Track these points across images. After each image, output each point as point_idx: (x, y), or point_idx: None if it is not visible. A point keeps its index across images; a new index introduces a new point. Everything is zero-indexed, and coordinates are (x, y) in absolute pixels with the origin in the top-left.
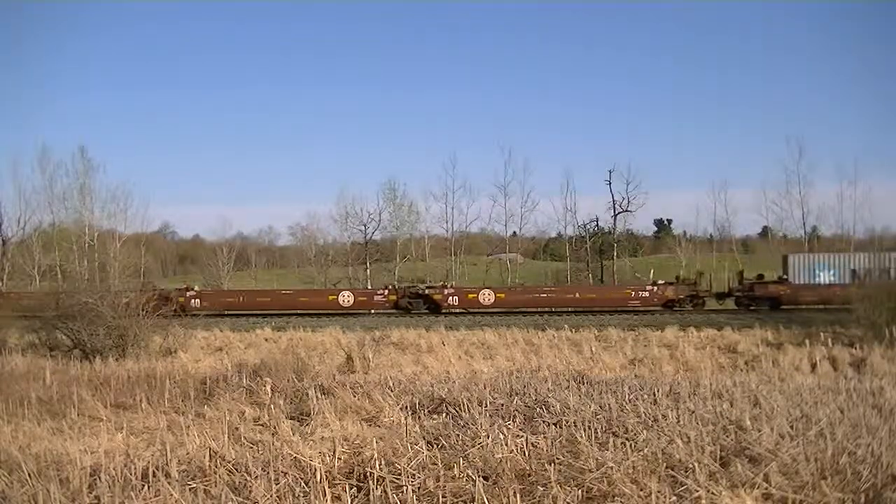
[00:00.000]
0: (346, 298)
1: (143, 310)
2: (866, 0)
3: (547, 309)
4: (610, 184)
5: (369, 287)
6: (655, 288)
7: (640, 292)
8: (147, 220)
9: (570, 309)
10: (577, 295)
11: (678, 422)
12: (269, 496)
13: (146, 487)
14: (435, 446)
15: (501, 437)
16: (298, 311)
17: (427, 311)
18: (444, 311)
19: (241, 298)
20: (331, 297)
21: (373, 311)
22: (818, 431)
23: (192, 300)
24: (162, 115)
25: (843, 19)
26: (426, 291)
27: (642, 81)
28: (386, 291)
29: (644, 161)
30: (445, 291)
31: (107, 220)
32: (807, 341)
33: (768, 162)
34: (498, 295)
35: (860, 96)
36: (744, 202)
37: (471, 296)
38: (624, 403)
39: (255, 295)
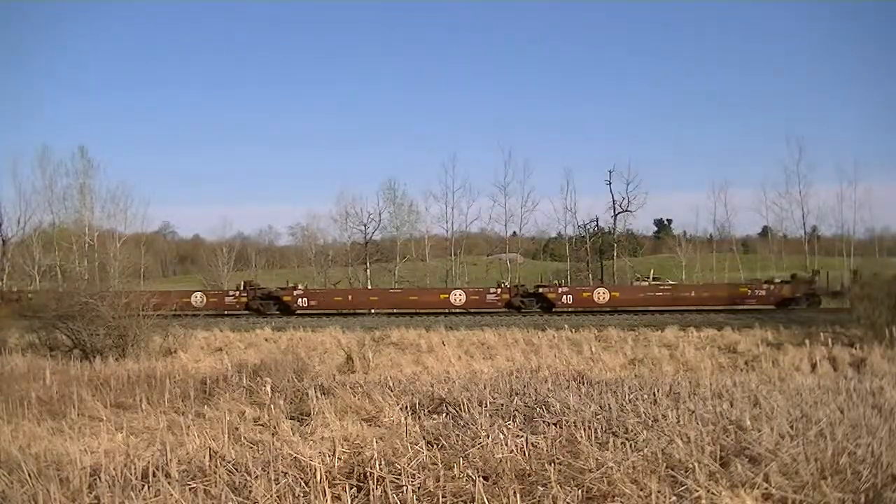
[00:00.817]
0: (458, 297)
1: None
2: (867, 0)
3: (661, 308)
4: (610, 184)
5: (444, 286)
6: (772, 286)
7: (757, 290)
8: (147, 220)
9: (682, 308)
10: (693, 294)
11: (678, 422)
12: (269, 496)
13: (146, 487)
14: (435, 446)
15: (501, 437)
16: (409, 311)
17: (540, 310)
18: (557, 310)
19: (350, 297)
20: (442, 296)
21: (484, 311)
22: (818, 431)
23: (300, 299)
24: (162, 115)
25: (843, 19)
26: (540, 290)
27: (642, 81)
28: (499, 290)
29: (644, 161)
30: (559, 290)
31: (107, 220)
32: (807, 341)
33: (768, 162)
34: (613, 294)
35: (860, 96)
36: (744, 202)
37: (585, 294)
38: (624, 403)
39: (366, 294)
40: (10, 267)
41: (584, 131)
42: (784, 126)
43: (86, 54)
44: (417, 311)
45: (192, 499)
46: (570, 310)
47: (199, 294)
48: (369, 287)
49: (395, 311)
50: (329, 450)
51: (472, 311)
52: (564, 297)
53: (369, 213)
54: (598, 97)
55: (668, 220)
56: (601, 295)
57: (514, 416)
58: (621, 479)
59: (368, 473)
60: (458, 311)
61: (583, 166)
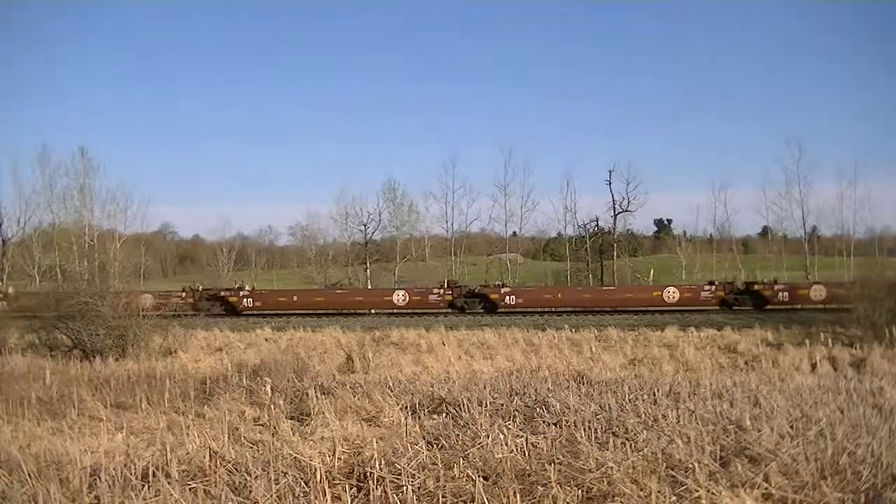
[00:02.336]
0: (400, 298)
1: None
2: (867, 0)
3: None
4: (610, 184)
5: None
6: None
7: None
8: (147, 220)
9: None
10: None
11: (678, 422)
12: (269, 496)
13: (146, 487)
14: (435, 446)
15: (501, 437)
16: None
17: (483, 310)
18: (500, 310)
19: (294, 298)
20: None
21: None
22: (818, 431)
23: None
24: (162, 115)
25: (843, 19)
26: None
27: (642, 81)
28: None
29: (644, 161)
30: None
31: (107, 220)
32: (807, 341)
33: (768, 162)
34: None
35: (860, 96)
36: (744, 202)
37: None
38: (624, 403)
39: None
40: (10, 267)
41: (584, 131)
42: (784, 126)
43: (86, 54)
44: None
45: (192, 499)
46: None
47: (672, 289)
48: (369, 287)
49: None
50: (329, 450)
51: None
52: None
53: (369, 212)
54: (599, 97)
55: (668, 220)
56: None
57: (514, 416)
58: (621, 479)
59: (368, 473)
60: (400, 311)
61: (583, 166)
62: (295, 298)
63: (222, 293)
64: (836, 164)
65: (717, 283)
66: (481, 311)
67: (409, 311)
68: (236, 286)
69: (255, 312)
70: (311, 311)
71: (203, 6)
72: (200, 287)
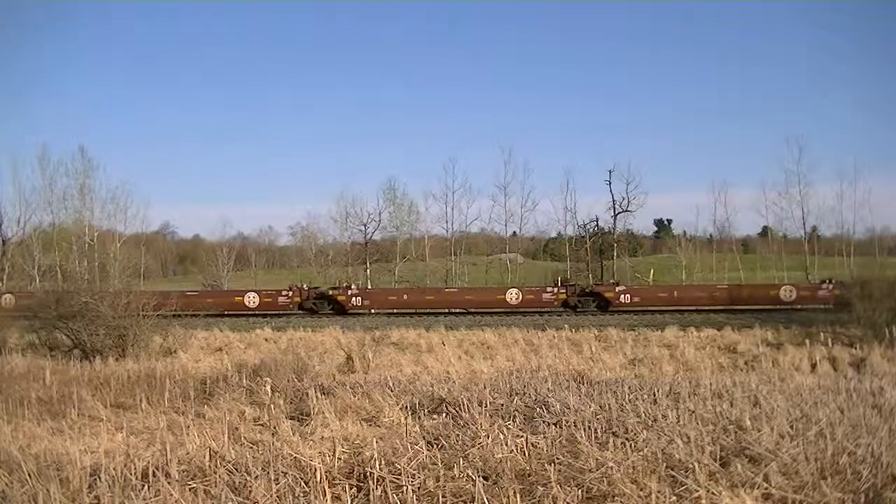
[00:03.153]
0: (513, 296)
1: None
2: (867, 0)
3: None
4: (610, 184)
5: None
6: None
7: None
8: (147, 220)
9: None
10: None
11: (678, 422)
12: (269, 496)
13: (146, 487)
14: (435, 446)
15: (501, 437)
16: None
17: (597, 309)
18: (613, 308)
19: (405, 297)
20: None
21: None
22: (818, 431)
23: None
24: (162, 115)
25: (843, 18)
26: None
27: (642, 81)
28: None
29: (644, 161)
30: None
31: (107, 220)
32: (807, 341)
33: (768, 162)
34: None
35: (860, 96)
36: (744, 202)
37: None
38: (624, 403)
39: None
40: (10, 267)
41: (584, 131)
42: (784, 126)
43: (86, 54)
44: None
45: (192, 499)
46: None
47: (789, 288)
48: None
49: (451, 310)
50: (329, 450)
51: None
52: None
53: (369, 213)
54: (599, 97)
55: (668, 220)
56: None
57: (514, 416)
58: (621, 479)
59: (368, 473)
60: (513, 310)
61: (583, 166)
62: (405, 297)
63: (330, 292)
64: (836, 164)
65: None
66: (595, 309)
67: (522, 309)
68: (344, 285)
69: (363, 311)
70: (421, 311)
71: (203, 6)
72: (306, 286)
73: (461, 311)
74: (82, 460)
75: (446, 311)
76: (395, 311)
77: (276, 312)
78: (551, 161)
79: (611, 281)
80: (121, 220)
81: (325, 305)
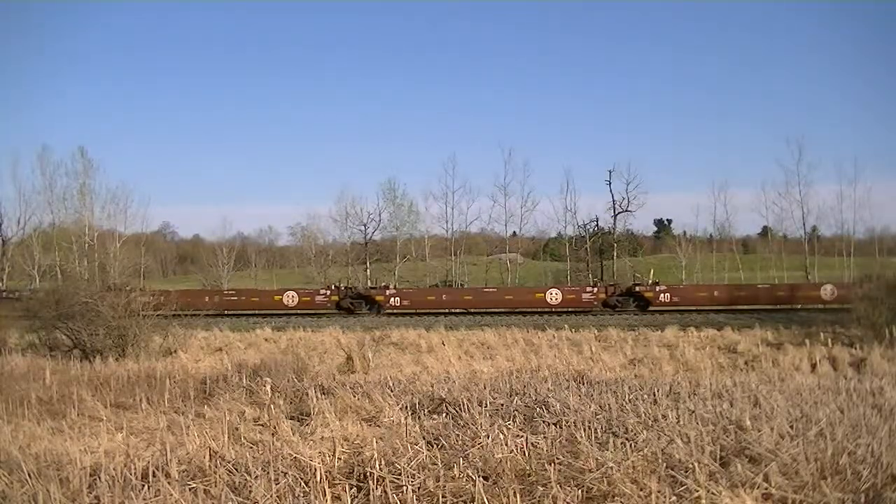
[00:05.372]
0: (553, 296)
1: None
2: (867, 0)
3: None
4: (610, 184)
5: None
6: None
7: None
8: (147, 220)
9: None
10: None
11: (678, 422)
12: (269, 496)
13: (146, 487)
14: (435, 446)
15: (501, 437)
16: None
17: (637, 308)
18: (653, 308)
19: (443, 296)
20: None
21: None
22: (818, 431)
23: (392, 298)
24: (162, 115)
25: (844, 18)
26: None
27: (642, 81)
28: (595, 289)
29: (644, 161)
30: (657, 289)
31: (107, 220)
32: (807, 341)
33: (768, 162)
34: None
35: (860, 95)
36: (744, 202)
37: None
38: (624, 403)
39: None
40: (10, 267)
41: (584, 131)
42: (784, 126)
43: (86, 54)
44: (513, 310)
45: (192, 499)
46: (668, 308)
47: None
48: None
49: (490, 310)
50: (329, 450)
51: (570, 310)
52: (662, 295)
53: (369, 213)
54: (598, 97)
55: (668, 220)
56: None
57: (514, 416)
58: (621, 479)
59: (368, 473)
60: (554, 310)
61: (583, 166)
62: (443, 297)
63: (369, 292)
64: (836, 164)
65: (598, 284)
66: (635, 309)
67: (562, 309)
68: (381, 285)
69: (400, 311)
70: (459, 311)
71: (203, 6)
72: (343, 285)
73: (503, 311)
74: (82, 460)
75: (484, 311)
76: (432, 311)
77: (314, 312)
78: (551, 161)
79: (650, 280)
80: (121, 220)
81: (362, 305)
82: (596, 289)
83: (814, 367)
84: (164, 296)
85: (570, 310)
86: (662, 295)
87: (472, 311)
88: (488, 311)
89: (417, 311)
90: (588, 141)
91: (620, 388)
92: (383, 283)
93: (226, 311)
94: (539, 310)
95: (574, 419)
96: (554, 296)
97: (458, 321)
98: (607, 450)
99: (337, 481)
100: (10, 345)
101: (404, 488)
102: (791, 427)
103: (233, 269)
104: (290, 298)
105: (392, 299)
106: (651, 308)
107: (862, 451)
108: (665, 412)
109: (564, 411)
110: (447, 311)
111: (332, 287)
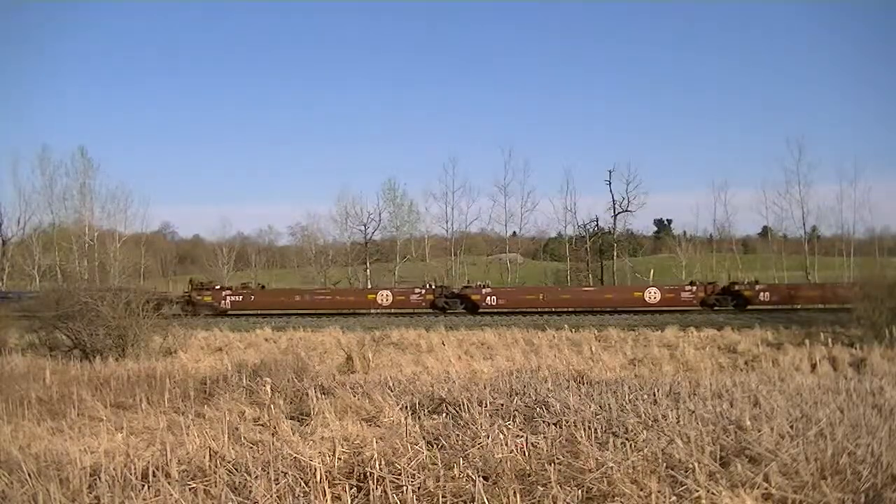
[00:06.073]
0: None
1: None
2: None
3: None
4: (610, 184)
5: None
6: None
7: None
8: (147, 220)
9: None
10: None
11: (678, 422)
12: (269, 496)
13: (146, 487)
14: (435, 446)
15: (501, 437)
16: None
17: (465, 310)
18: (481, 310)
19: (541, 296)
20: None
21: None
22: (818, 431)
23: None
24: (162, 115)
25: (844, 18)
26: (465, 291)
27: (643, 81)
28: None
29: (644, 161)
30: (484, 291)
31: (107, 220)
32: (807, 341)
33: (768, 162)
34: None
35: (860, 95)
36: (744, 202)
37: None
38: (624, 403)
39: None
40: (10, 267)
41: (584, 131)
42: (784, 126)
43: (86, 54)
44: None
45: (192, 499)
46: (768, 307)
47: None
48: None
49: (588, 310)
50: (329, 450)
51: (671, 308)
52: (762, 294)
53: (369, 213)
54: (598, 97)
55: (668, 220)
56: None
57: (514, 416)
58: (621, 479)
59: (368, 473)
60: (654, 309)
61: (583, 166)
62: (541, 297)
63: (464, 291)
64: (836, 164)
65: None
66: (732, 307)
67: (662, 308)
68: (477, 284)
69: (496, 311)
70: (557, 310)
71: (202, 6)
72: (434, 285)
73: (604, 310)
74: (82, 460)
75: (585, 310)
76: (529, 310)
77: (409, 311)
78: (551, 161)
79: (750, 280)
80: (121, 220)
81: (457, 304)
82: (695, 287)
83: (814, 367)
84: (253, 295)
85: (669, 309)
86: (762, 294)
87: (571, 310)
88: (587, 310)
89: (514, 310)
90: (588, 141)
91: (620, 388)
92: (479, 283)
93: (317, 311)
94: (639, 309)
95: (574, 419)
96: (653, 294)
97: (458, 321)
98: (607, 450)
99: (337, 481)
100: (10, 345)
101: (404, 488)
102: (791, 427)
103: (233, 269)
104: (385, 297)
105: (488, 298)
106: (750, 307)
107: (862, 451)
108: (665, 412)
109: (564, 411)
110: (544, 310)
111: (427, 286)
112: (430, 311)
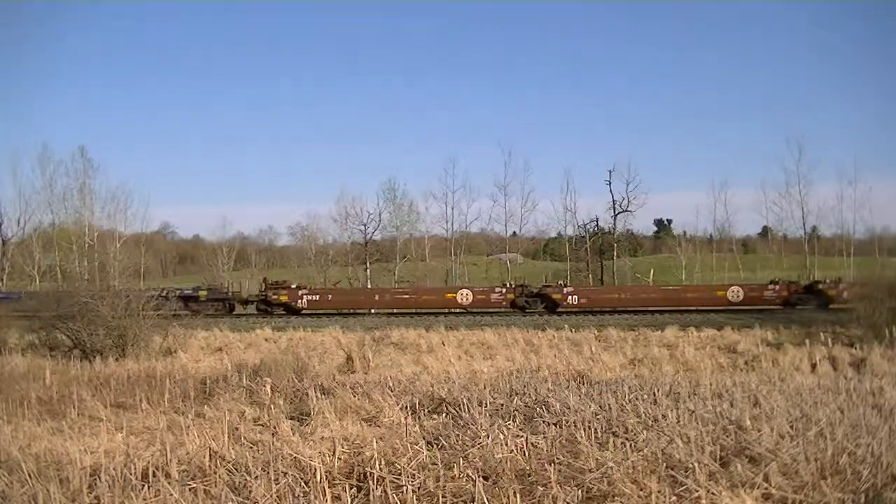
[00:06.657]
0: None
1: None
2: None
3: None
4: (610, 184)
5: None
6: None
7: None
8: (147, 220)
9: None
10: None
11: (678, 422)
12: (269, 496)
13: (146, 487)
14: (435, 446)
15: (501, 437)
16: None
17: (545, 309)
18: (561, 310)
19: (621, 295)
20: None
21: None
22: (818, 431)
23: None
24: (162, 115)
25: (844, 19)
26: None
27: (642, 81)
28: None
29: (644, 161)
30: (565, 290)
31: (107, 220)
32: (807, 341)
33: (768, 162)
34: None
35: (860, 96)
36: (744, 202)
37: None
38: (624, 403)
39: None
40: (10, 267)
41: (584, 131)
42: (784, 126)
43: (86, 54)
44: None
45: (192, 499)
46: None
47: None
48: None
49: (670, 308)
50: (329, 450)
51: (752, 308)
52: (570, 297)
53: (369, 213)
54: (598, 97)
55: (668, 220)
56: None
57: (514, 416)
58: (621, 479)
59: (368, 473)
60: (734, 308)
61: (583, 166)
62: (622, 295)
63: (544, 290)
64: (836, 164)
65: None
66: (812, 307)
67: (744, 307)
68: (557, 283)
69: (577, 310)
70: (641, 309)
71: (203, 6)
72: (512, 284)
73: (685, 308)
74: (82, 460)
75: (668, 308)
76: (608, 309)
77: (489, 310)
78: (551, 161)
79: (833, 279)
80: (121, 220)
81: (537, 303)
82: (778, 286)
83: (814, 367)
84: (331, 294)
85: (752, 308)
86: (846, 292)
87: (653, 309)
88: (669, 309)
89: (593, 309)
90: (588, 141)
91: (620, 388)
92: (559, 282)
93: (395, 310)
94: (719, 308)
95: (574, 419)
96: (735, 293)
97: (458, 321)
98: (607, 450)
99: (337, 481)
100: (10, 345)
101: (404, 488)
102: (791, 427)
103: (233, 269)
104: (465, 297)
105: (569, 297)
106: (831, 307)
107: (862, 451)
108: (665, 412)
109: (564, 411)
110: (624, 309)
111: (507, 284)
112: (511, 310)
